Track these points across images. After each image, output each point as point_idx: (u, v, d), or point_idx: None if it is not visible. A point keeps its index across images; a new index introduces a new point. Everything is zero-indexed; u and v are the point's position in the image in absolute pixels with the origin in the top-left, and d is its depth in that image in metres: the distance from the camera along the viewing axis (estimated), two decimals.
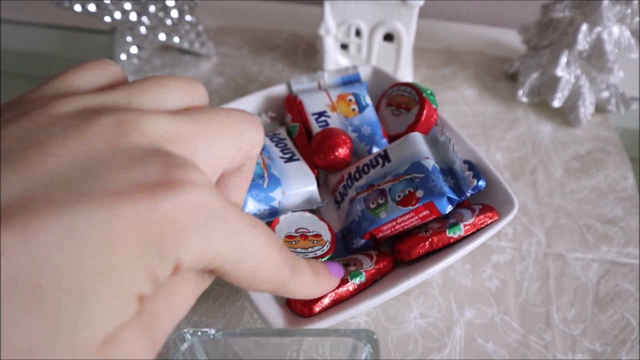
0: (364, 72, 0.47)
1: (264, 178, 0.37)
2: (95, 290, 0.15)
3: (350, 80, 0.46)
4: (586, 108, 0.52)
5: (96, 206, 0.15)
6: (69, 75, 0.20)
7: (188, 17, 0.55)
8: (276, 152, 0.40)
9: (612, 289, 0.40)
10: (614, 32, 0.51)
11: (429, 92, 0.43)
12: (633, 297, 0.39)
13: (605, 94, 0.54)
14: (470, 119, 0.53)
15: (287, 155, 0.40)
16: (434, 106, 0.42)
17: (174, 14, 0.54)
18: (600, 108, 0.55)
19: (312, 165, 0.40)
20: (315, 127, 0.42)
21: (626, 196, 0.47)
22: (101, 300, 0.15)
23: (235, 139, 0.21)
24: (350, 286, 0.33)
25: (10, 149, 0.16)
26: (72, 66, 0.20)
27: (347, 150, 0.39)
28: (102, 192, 0.16)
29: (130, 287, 0.16)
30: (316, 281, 0.27)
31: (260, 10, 0.66)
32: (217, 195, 0.18)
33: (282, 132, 0.42)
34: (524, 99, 0.54)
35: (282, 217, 0.36)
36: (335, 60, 0.55)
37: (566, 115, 0.54)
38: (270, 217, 0.36)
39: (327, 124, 0.42)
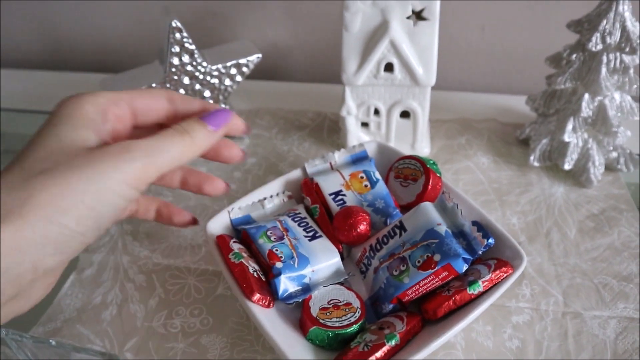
0: (370, 149, 0.52)
1: (294, 258, 0.41)
2: None
3: (358, 157, 0.51)
4: (596, 169, 0.56)
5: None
6: None
7: (223, 105, 0.61)
8: (300, 231, 0.44)
9: (630, 345, 0.42)
10: (616, 98, 0.54)
11: (431, 162, 0.47)
12: None
13: (614, 154, 0.57)
14: (486, 186, 0.56)
15: (310, 234, 0.44)
16: (437, 174, 0.46)
17: None
18: (610, 167, 0.58)
19: (336, 242, 0.44)
20: (334, 206, 0.46)
21: None
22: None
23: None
24: (386, 348, 0.36)
25: None
26: None
27: (367, 226, 0.44)
28: None
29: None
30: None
31: (287, 91, 0.73)
32: None
33: (302, 211, 0.47)
34: (536, 164, 0.58)
35: (314, 294, 0.40)
36: (357, 137, 0.60)
37: (578, 177, 0.57)
38: (303, 293, 0.40)
39: (344, 202, 0.47)
